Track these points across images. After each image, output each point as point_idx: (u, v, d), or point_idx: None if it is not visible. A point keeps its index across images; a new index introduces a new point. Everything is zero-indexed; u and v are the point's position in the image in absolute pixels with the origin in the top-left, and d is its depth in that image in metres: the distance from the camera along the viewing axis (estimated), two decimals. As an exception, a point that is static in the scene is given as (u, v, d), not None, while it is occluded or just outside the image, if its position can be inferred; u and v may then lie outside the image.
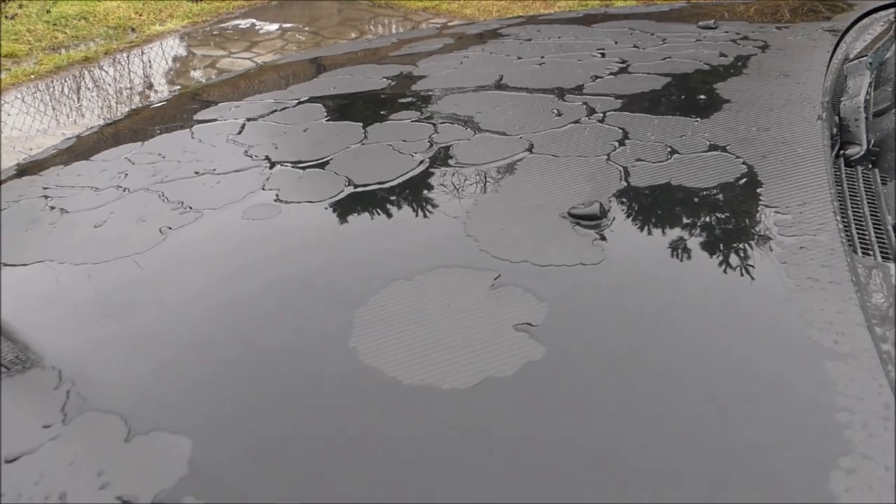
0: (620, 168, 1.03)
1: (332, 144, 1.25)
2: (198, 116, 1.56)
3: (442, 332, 0.76)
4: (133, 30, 5.83)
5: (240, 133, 1.39)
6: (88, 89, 4.88)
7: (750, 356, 0.68)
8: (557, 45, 1.69)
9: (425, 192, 1.05)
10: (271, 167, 1.21)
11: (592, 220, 0.90)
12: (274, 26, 5.97)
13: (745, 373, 0.67)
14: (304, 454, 0.65)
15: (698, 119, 1.16)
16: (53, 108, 4.63)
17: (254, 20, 6.14)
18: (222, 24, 6.05)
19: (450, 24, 5.85)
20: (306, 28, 5.93)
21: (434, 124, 1.28)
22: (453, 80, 1.52)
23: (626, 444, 0.61)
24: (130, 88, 4.86)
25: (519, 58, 1.62)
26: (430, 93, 1.45)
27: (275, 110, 1.50)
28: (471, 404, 0.67)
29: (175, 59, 5.45)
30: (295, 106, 1.51)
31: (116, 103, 4.68)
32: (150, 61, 5.33)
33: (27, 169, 1.48)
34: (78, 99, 4.74)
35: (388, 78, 1.59)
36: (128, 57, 5.40)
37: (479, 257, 0.87)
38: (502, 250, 0.88)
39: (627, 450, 0.61)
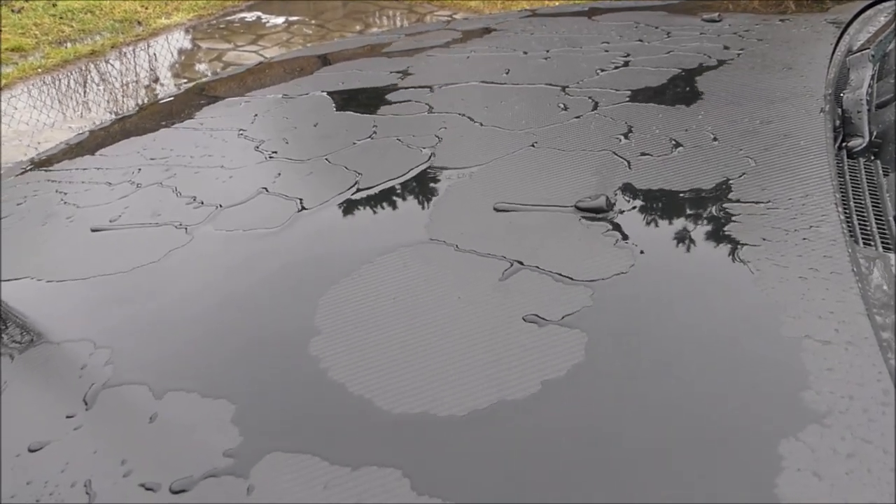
0: (626, 161, 1.05)
1: (341, 139, 1.27)
2: (207, 111, 1.58)
3: (452, 323, 0.78)
4: (139, 23, 5.85)
5: (249, 128, 1.41)
6: (95, 83, 4.91)
7: (752, 345, 0.70)
8: (563, 39, 1.70)
9: (433, 185, 1.07)
10: (282, 162, 1.23)
11: (599, 213, 0.91)
12: (280, 19, 5.98)
13: (746, 361, 0.69)
14: (311, 437, 0.67)
15: (702, 112, 1.17)
16: (60, 102, 4.65)
17: (259, 13, 6.15)
18: (228, 18, 6.07)
19: (455, 16, 5.85)
20: (312, 21, 5.94)
21: (442, 118, 1.30)
22: (461, 75, 1.53)
23: (629, 433, 0.63)
24: (137, 82, 4.88)
25: (525, 52, 1.63)
26: (437, 87, 1.47)
27: (284, 105, 1.52)
28: (480, 395, 0.69)
29: (181, 52, 5.47)
30: (304, 101, 1.53)
31: (123, 97, 4.70)
32: (155, 55, 5.35)
33: (40, 163, 1.51)
34: (84, 93, 4.77)
35: (395, 72, 1.60)
36: (134, 50, 5.42)
37: (487, 249, 0.89)
38: (511, 243, 0.90)
39: (632, 439, 0.63)
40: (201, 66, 5.14)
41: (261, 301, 0.89)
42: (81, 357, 0.83)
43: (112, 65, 5.22)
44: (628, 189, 0.98)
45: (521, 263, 0.85)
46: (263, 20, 6.02)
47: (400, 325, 0.79)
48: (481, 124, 1.25)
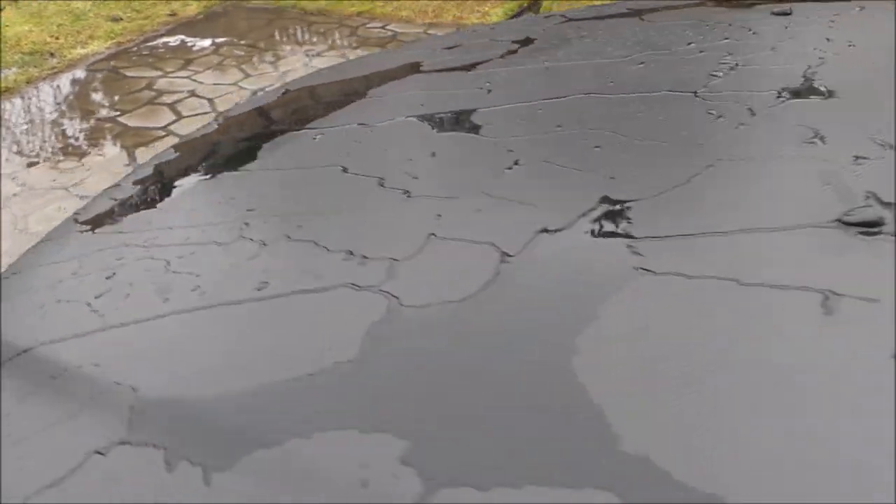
0: (847, 167, 0.97)
1: (481, 167, 1.14)
2: (272, 148, 1.39)
3: (801, 370, 0.67)
4: (52, 55, 5.41)
5: (349, 163, 1.24)
6: (12, 124, 4.49)
7: None
8: (636, 42, 1.61)
9: (646, 210, 0.95)
10: (426, 200, 1.08)
11: (874, 227, 0.83)
12: (206, 42, 5.66)
13: None
14: None
15: (884, 107, 1.11)
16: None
17: (182, 36, 5.81)
18: (150, 43, 5.69)
19: (388, 27, 5.70)
20: (241, 42, 5.65)
21: (583, 134, 1.18)
22: (557, 87, 1.42)
23: None
24: (55, 121, 4.50)
25: (605, 59, 1.54)
26: (542, 102, 1.34)
27: (370, 135, 1.36)
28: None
29: (107, 81, 5.08)
30: (391, 128, 1.37)
31: (66, 137, 4.32)
32: (73, 87, 4.97)
33: (92, 222, 1.28)
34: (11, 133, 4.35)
35: (477, 89, 1.47)
36: (54, 84, 5.01)
37: (778, 280, 0.78)
38: (800, 270, 0.80)
39: None
40: (137, 96, 4.79)
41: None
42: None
43: (29, 100, 4.80)
44: (877, 197, 0.89)
45: (834, 293, 0.75)
46: (189, 43, 5.70)
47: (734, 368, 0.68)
48: (637, 140, 1.14)
